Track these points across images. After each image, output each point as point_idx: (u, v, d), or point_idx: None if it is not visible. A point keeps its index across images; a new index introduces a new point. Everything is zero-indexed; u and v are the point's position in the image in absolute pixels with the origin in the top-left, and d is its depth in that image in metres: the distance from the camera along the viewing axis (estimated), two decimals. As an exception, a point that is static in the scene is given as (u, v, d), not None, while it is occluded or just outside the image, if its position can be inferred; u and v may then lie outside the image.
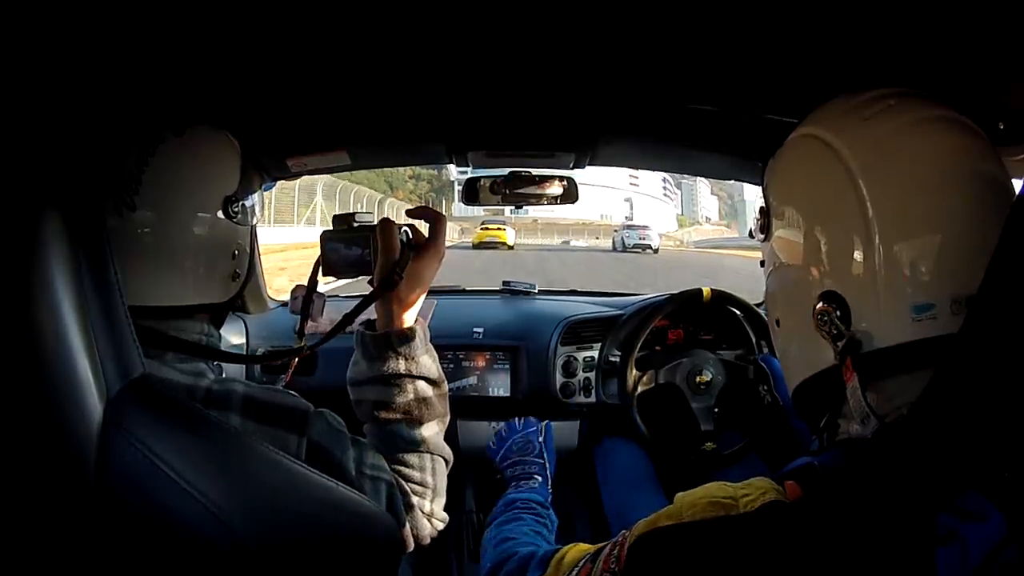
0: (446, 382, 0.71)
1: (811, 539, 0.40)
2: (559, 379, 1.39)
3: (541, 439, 0.99)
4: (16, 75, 0.40)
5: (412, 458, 0.66)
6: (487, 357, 1.42)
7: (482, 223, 22.46)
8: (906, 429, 0.41)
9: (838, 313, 0.46)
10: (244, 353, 1.42)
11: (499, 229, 20.71)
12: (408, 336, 0.66)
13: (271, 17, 0.66)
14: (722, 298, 1.30)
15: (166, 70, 0.71)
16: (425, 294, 0.70)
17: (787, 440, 1.12)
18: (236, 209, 0.65)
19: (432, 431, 0.68)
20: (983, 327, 0.38)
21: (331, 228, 0.73)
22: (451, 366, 1.40)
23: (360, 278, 0.73)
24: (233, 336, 1.41)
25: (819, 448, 0.52)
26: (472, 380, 1.41)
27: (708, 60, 0.80)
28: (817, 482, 0.43)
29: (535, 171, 1.33)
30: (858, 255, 0.45)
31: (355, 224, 0.71)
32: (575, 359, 1.39)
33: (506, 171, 1.33)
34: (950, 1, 0.55)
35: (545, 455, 0.96)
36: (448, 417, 0.71)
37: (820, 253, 0.48)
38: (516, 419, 1.04)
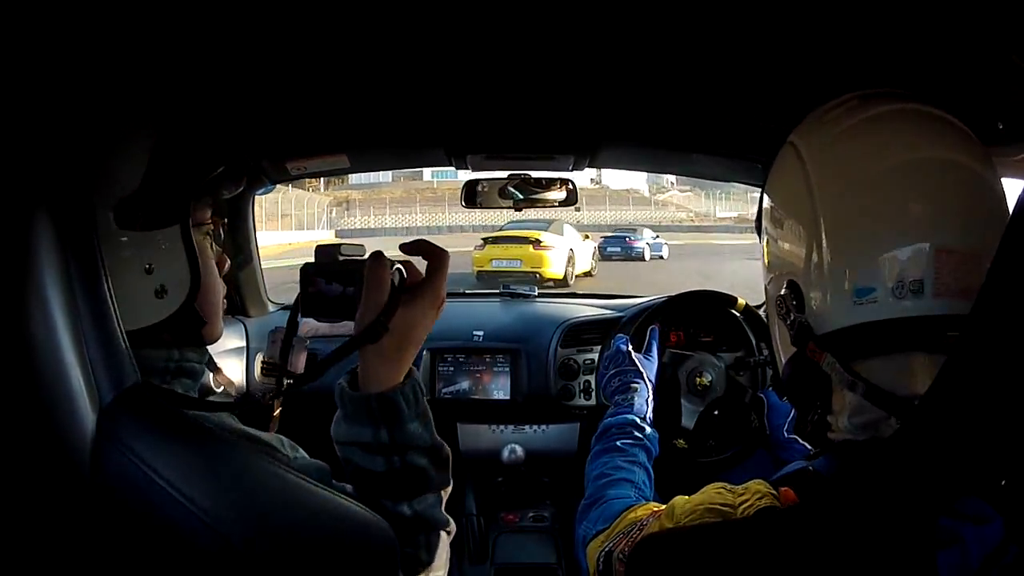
0: (446, 446, 0.59)
1: (811, 544, 0.40)
2: (559, 382, 1.38)
3: (630, 347, 1.00)
4: (7, 77, 0.40)
5: (402, 534, 0.56)
6: (487, 360, 1.41)
7: (484, 240, 9.37)
8: (906, 432, 0.41)
9: (794, 302, 0.48)
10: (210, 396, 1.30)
11: (520, 244, 8.80)
12: (391, 401, 0.54)
13: (272, 20, 0.66)
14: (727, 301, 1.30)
15: (164, 70, 0.71)
16: (418, 350, 0.57)
17: (766, 469, 1.11)
18: (133, 213, 0.52)
19: (424, 504, 0.57)
20: (984, 333, 0.38)
21: (313, 261, 0.60)
22: (451, 369, 1.40)
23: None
24: (233, 340, 1.41)
25: (813, 454, 0.53)
26: (471, 383, 1.40)
27: (707, 64, 0.80)
28: (812, 487, 0.43)
29: (534, 174, 1.33)
30: (808, 245, 0.47)
31: (340, 257, 0.59)
32: (575, 362, 1.39)
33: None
34: (948, 2, 0.55)
35: (638, 361, 0.97)
36: (450, 486, 0.60)
37: (784, 247, 0.51)
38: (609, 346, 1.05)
